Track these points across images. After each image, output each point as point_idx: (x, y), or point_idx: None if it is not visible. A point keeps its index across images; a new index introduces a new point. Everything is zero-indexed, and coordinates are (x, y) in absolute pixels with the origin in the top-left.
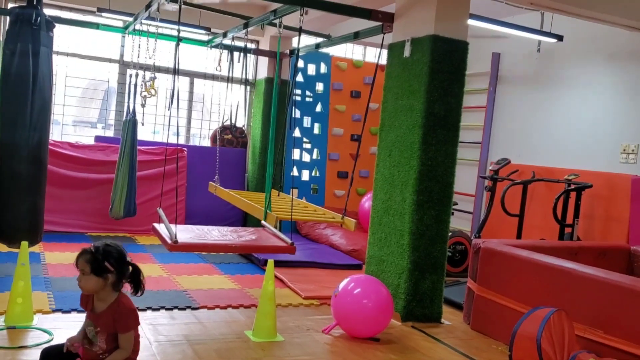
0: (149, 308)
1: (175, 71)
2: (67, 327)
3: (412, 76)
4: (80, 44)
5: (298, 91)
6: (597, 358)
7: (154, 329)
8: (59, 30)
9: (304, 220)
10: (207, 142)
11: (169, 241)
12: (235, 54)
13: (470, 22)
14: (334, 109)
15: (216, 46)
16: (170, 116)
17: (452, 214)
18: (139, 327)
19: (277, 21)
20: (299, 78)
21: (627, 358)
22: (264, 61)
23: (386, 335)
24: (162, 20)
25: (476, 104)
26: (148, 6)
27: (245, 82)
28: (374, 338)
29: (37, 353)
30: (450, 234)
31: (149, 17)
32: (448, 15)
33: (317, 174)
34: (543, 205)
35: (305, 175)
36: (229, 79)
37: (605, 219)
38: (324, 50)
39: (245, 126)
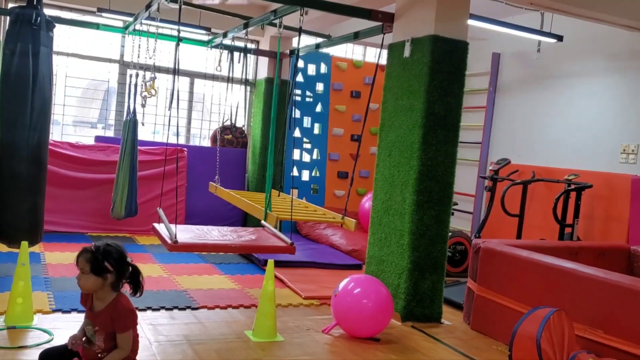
0: (149, 308)
1: (176, 71)
2: (67, 327)
3: (412, 76)
4: (80, 44)
5: (298, 91)
6: (597, 358)
7: (154, 329)
8: (59, 30)
9: (304, 220)
10: (207, 142)
11: (169, 241)
12: (236, 54)
13: (470, 22)
14: (334, 109)
15: (216, 46)
16: (170, 116)
17: (452, 214)
18: (138, 327)
19: (277, 21)
20: (299, 78)
21: (626, 358)
22: (264, 61)
23: (386, 335)
24: (162, 21)
25: (476, 104)
26: (148, 6)
27: (246, 82)
28: (374, 338)
29: (37, 353)
30: (450, 234)
31: (149, 17)
32: (448, 16)
33: (317, 174)
34: (543, 205)
35: (306, 176)
36: (229, 79)
37: (605, 219)
38: (324, 50)
39: (246, 126)
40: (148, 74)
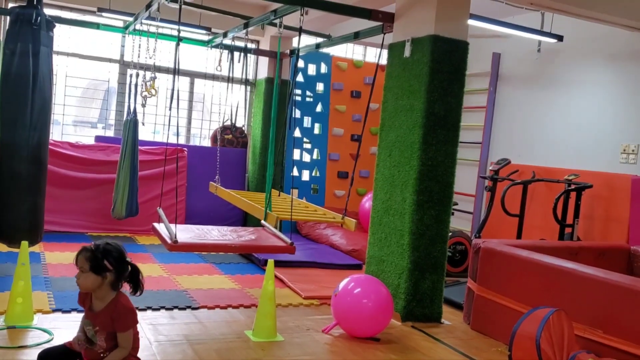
0: (149, 308)
1: (176, 71)
2: (67, 327)
3: (412, 76)
4: (80, 43)
5: (298, 91)
6: (597, 358)
7: (154, 328)
8: (59, 30)
9: (304, 220)
10: (207, 142)
11: (169, 241)
12: (236, 54)
13: (471, 22)
14: (334, 109)
15: (216, 46)
16: (170, 116)
17: (452, 214)
18: (138, 327)
19: (277, 21)
20: (299, 78)
21: (626, 358)
22: (264, 61)
23: (386, 335)
24: (162, 20)
25: (476, 104)
26: (148, 6)
27: (246, 82)
28: (374, 338)
29: (37, 353)
30: (450, 234)
31: (149, 17)
32: (448, 16)
33: (318, 174)
34: (543, 205)
35: (306, 176)
36: (229, 79)
37: (605, 219)
38: (324, 50)
39: (246, 126)
40: (148, 74)
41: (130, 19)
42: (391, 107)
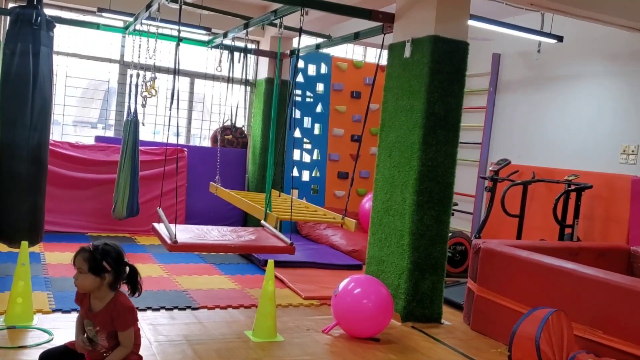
0: (149, 308)
1: (176, 71)
2: (67, 327)
3: (412, 77)
4: (80, 44)
5: (298, 91)
6: (596, 358)
7: (154, 329)
8: (59, 30)
9: (304, 220)
10: (207, 143)
11: (169, 241)
12: (236, 54)
13: (471, 22)
14: (334, 110)
15: (216, 46)
16: (170, 116)
17: (452, 214)
18: (138, 325)
19: (277, 21)
20: (299, 78)
21: (626, 358)
22: (264, 61)
23: (386, 336)
24: (162, 21)
25: (476, 105)
26: (148, 6)
27: (246, 82)
28: (374, 338)
29: (37, 353)
30: (450, 234)
31: (150, 17)
32: (448, 16)
33: (318, 175)
34: (543, 205)
35: (306, 176)
36: (230, 80)
37: (605, 219)
38: (325, 50)
39: (246, 126)
40: (148, 74)
41: (131, 19)
42: (391, 108)
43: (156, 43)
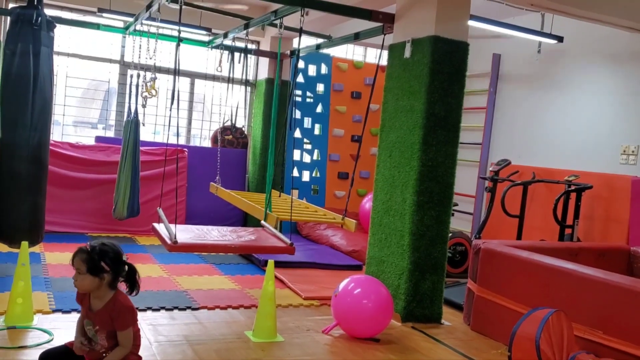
0: (149, 308)
1: (176, 72)
2: (67, 327)
3: (412, 77)
4: (80, 44)
5: (298, 92)
6: (596, 359)
7: (154, 329)
8: (59, 30)
9: (304, 221)
10: (207, 143)
11: (169, 241)
12: (236, 54)
13: (471, 23)
14: (334, 110)
15: (217, 47)
16: (170, 117)
17: (453, 214)
18: (138, 325)
19: (277, 22)
20: (300, 79)
21: (626, 359)
22: (264, 62)
23: (386, 336)
24: (162, 21)
25: (476, 105)
26: (149, 6)
27: (246, 82)
28: (374, 338)
29: (37, 353)
30: (450, 234)
31: (150, 18)
32: (448, 16)
33: (318, 175)
34: (543, 206)
35: (306, 176)
36: (230, 80)
37: (605, 220)
38: (325, 51)
39: (246, 127)
40: (148, 75)
41: (131, 19)
42: (391, 108)
43: (156, 43)
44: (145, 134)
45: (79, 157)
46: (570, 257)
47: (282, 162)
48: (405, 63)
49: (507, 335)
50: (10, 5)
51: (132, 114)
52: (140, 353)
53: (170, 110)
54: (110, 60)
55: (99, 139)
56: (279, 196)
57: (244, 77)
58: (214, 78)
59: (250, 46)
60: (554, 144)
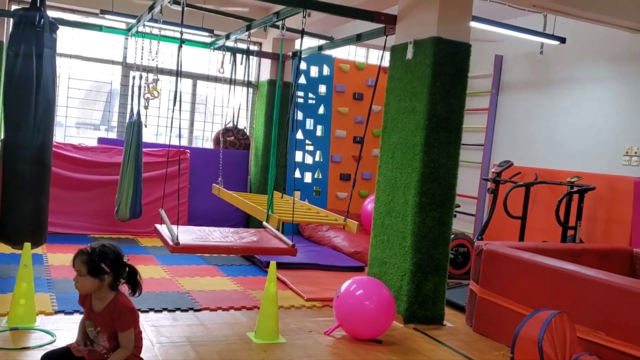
0: (152, 309)
1: (178, 73)
2: (69, 328)
3: (414, 78)
4: (83, 45)
5: (300, 93)
6: None
7: (156, 330)
8: (62, 32)
9: (306, 222)
10: (209, 144)
11: (171, 243)
12: (238, 56)
13: (473, 24)
14: (336, 111)
15: (219, 48)
16: (172, 118)
17: (455, 216)
18: (140, 326)
19: (279, 23)
20: (302, 80)
21: None
22: (266, 63)
23: (388, 337)
24: (164, 23)
25: (479, 106)
26: (151, 8)
27: (248, 84)
28: (376, 340)
29: (39, 354)
30: (452, 236)
31: (152, 19)
32: (450, 18)
33: (320, 176)
34: (545, 207)
35: (308, 178)
36: (232, 81)
37: (608, 221)
38: (327, 52)
39: (248, 128)
40: (151, 76)
41: (133, 21)
42: (393, 109)
43: (159, 45)
44: (147, 136)
45: (81, 158)
46: (573, 258)
47: (284, 163)
48: (407, 64)
49: (509, 336)
50: (13, 7)
51: (135, 115)
52: (142, 355)
53: (173, 111)
54: (113, 62)
55: (101, 140)
56: (281, 197)
57: (246, 79)
58: (216, 79)
59: (253, 47)
60: (556, 145)
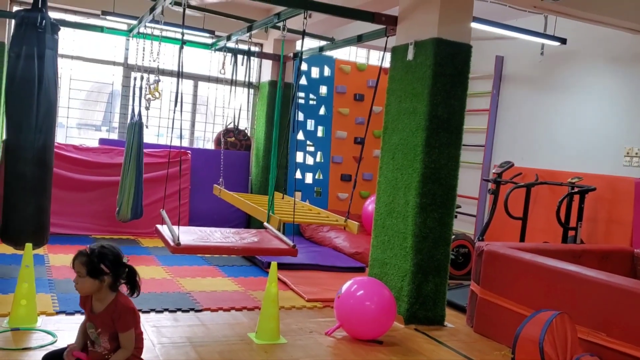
0: (153, 310)
1: (179, 74)
2: (70, 329)
3: (415, 79)
4: (84, 46)
5: (301, 94)
6: None
7: (157, 331)
8: (63, 33)
9: (307, 223)
10: (211, 145)
11: (172, 243)
12: (239, 57)
13: (474, 25)
14: (337, 112)
15: (220, 49)
16: (174, 119)
17: (456, 216)
18: (141, 327)
19: (280, 24)
20: (303, 81)
21: None
22: (267, 64)
23: (389, 338)
24: (166, 24)
25: (479, 107)
26: (152, 9)
27: (249, 85)
28: (377, 340)
29: (40, 355)
30: (453, 236)
31: (153, 20)
32: (451, 18)
33: (321, 177)
34: (546, 208)
35: (309, 178)
36: (233, 82)
37: (609, 221)
38: (328, 53)
39: (249, 129)
40: (152, 77)
41: (134, 22)
42: (394, 110)
43: (160, 46)
44: (148, 136)
45: (83, 159)
46: (574, 259)
47: (285, 164)
48: (408, 65)
49: (510, 337)
50: (15, 9)
51: (136, 116)
52: (143, 355)
53: (174, 112)
54: (114, 63)
55: (102, 141)
56: (282, 198)
57: (247, 80)
58: (217, 80)
59: (254, 49)
60: (557, 145)
